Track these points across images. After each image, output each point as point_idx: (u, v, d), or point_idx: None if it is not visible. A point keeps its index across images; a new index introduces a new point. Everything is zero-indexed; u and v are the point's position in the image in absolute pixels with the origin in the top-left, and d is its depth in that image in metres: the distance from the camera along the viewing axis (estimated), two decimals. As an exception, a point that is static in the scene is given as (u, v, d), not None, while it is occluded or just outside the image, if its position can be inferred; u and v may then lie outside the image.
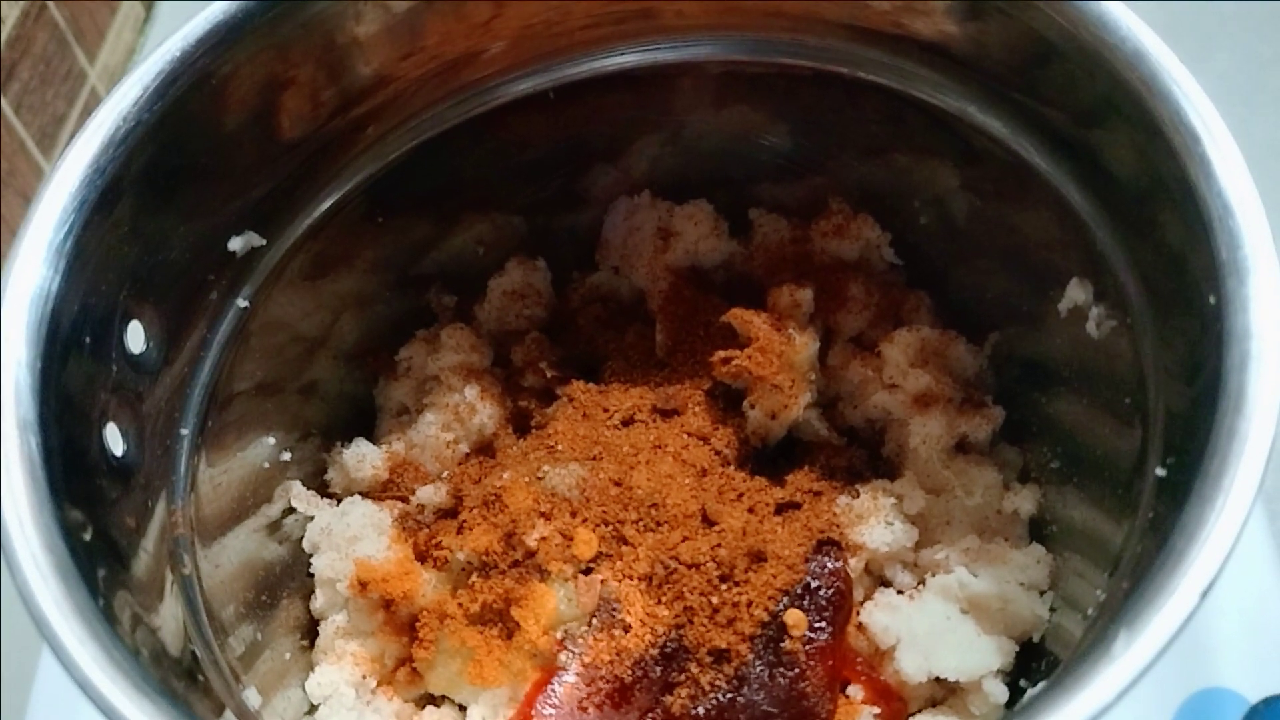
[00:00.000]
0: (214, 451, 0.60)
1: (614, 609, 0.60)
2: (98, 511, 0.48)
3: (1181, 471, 0.45)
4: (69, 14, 1.07)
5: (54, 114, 1.06)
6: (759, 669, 0.58)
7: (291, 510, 0.67)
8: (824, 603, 0.60)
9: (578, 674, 0.59)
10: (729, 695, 0.58)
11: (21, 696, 0.75)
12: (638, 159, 0.72)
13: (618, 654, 0.59)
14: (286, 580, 0.66)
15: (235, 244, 0.59)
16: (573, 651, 0.60)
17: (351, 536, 0.64)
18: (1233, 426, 0.42)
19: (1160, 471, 0.48)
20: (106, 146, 0.50)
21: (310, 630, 0.66)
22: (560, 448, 0.65)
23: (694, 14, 0.63)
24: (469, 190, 0.70)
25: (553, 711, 0.59)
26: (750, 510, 0.63)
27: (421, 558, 0.65)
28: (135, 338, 0.53)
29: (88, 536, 0.46)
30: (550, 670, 0.60)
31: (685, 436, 0.65)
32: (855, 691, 0.61)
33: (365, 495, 0.68)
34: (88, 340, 0.50)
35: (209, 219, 0.57)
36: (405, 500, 0.67)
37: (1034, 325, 0.64)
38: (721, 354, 0.66)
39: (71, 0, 1.07)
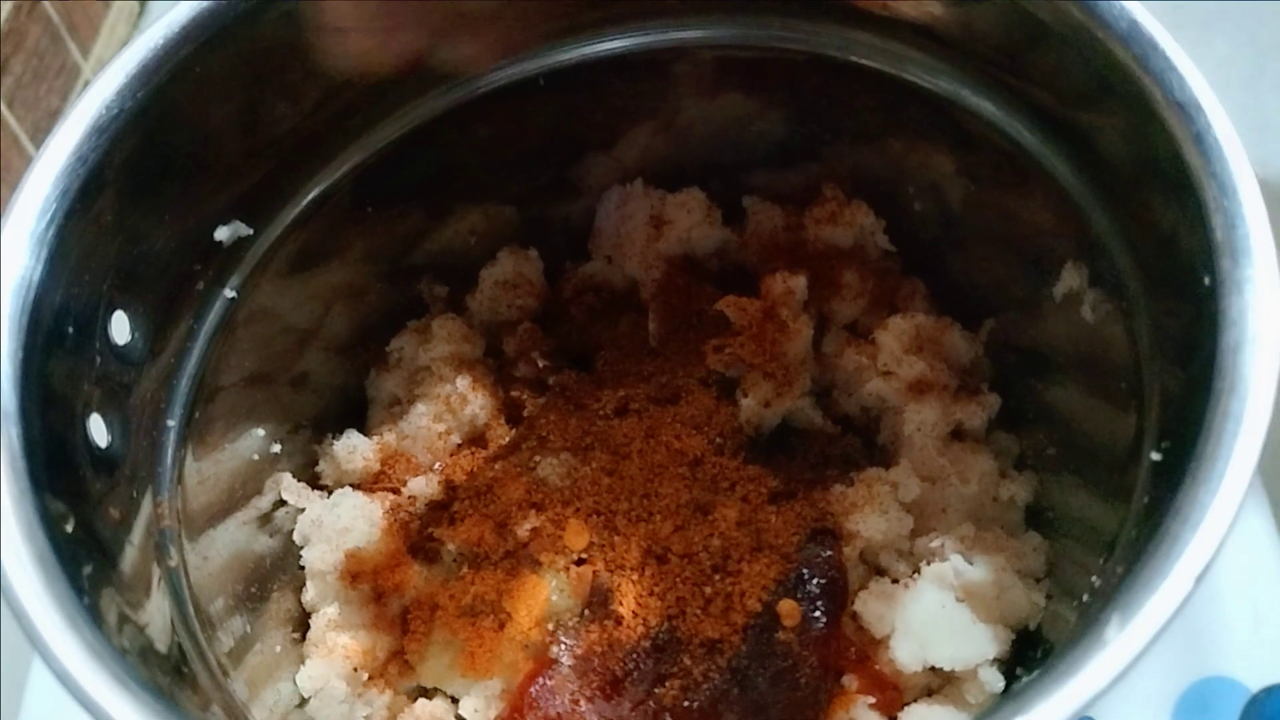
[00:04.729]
0: (201, 443, 0.60)
1: (606, 600, 0.59)
2: (81, 503, 0.48)
3: (1177, 455, 0.44)
4: (62, 9, 1.06)
5: (48, 109, 1.05)
6: (752, 660, 0.58)
7: (282, 502, 0.66)
8: (818, 592, 0.59)
9: (570, 666, 0.59)
10: (722, 686, 0.57)
11: (17, 693, 0.75)
12: (630, 147, 0.71)
13: (610, 645, 0.58)
14: (277, 573, 0.65)
15: (221, 234, 0.58)
16: (565, 643, 0.59)
17: (342, 528, 0.64)
18: (1228, 409, 0.41)
19: (1155, 455, 0.47)
20: (89, 135, 0.50)
21: (301, 623, 0.66)
22: (552, 438, 0.65)
23: (684, -3, 0.62)
24: (459, 180, 0.69)
25: (545, 703, 0.58)
26: (744, 500, 0.62)
27: (413, 549, 0.64)
28: (120, 328, 0.53)
29: (70, 528, 0.46)
30: (542, 662, 0.59)
31: (678, 426, 0.65)
32: (850, 681, 0.60)
33: (356, 487, 0.67)
34: (71, 331, 0.49)
35: (194, 208, 0.56)
36: (396, 492, 0.67)
37: (1029, 311, 0.64)
38: (715, 342, 0.65)
39: (65, -5, 1.06)
